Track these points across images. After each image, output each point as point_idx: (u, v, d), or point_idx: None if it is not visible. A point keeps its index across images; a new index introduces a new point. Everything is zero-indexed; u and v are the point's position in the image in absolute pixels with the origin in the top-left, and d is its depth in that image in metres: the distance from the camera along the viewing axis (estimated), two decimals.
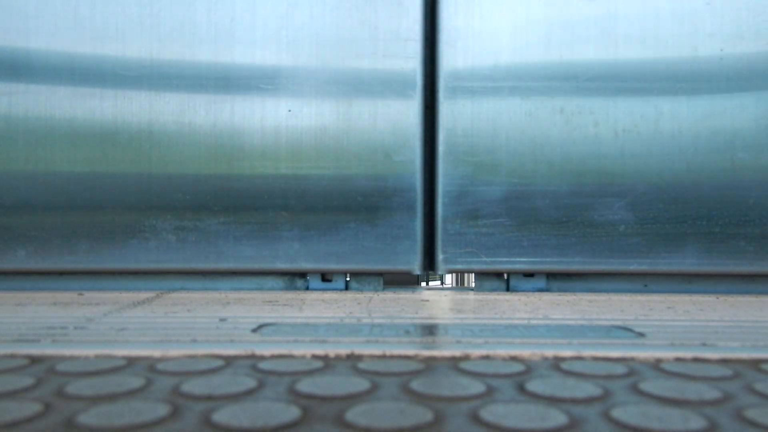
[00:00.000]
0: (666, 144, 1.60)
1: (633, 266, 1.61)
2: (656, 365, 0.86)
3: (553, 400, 0.71)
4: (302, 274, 1.66)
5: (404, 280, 1.81)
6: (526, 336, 1.04)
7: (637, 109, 1.61)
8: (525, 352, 0.91)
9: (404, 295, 1.56)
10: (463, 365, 0.86)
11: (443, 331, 1.09)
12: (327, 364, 0.86)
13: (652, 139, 1.60)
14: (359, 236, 1.62)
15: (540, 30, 1.62)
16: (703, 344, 0.98)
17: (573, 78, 1.61)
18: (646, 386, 0.77)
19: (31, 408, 0.68)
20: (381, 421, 0.64)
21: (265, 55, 1.63)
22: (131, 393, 0.73)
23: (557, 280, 1.66)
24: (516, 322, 1.18)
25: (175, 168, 1.62)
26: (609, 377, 0.80)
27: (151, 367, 0.84)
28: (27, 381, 0.78)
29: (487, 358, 0.89)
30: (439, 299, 1.49)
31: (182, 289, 1.65)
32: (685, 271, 1.62)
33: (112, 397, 0.71)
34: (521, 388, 0.75)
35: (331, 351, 0.91)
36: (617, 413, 0.67)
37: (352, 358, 0.89)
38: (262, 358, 0.89)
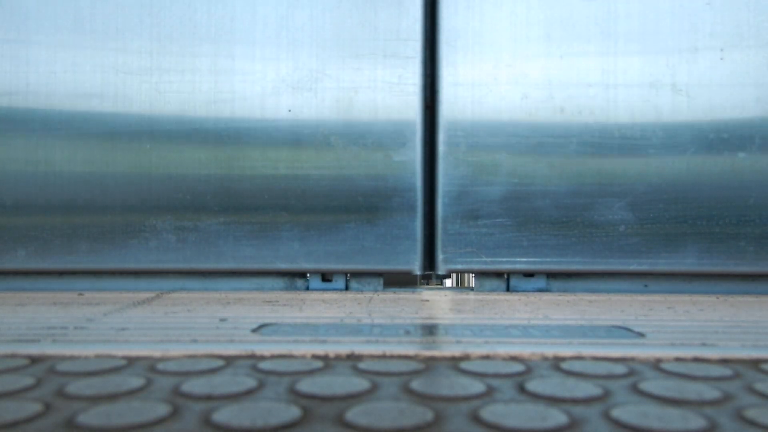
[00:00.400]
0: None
1: (633, 266, 1.61)
2: (656, 365, 0.86)
3: (553, 400, 0.71)
4: (302, 274, 1.66)
5: (404, 280, 1.81)
6: (526, 336, 1.04)
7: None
8: (525, 352, 0.91)
9: (404, 295, 1.56)
10: (463, 365, 0.86)
11: (443, 331, 1.09)
12: (327, 364, 0.86)
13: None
14: (359, 236, 1.62)
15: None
16: (703, 344, 0.98)
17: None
18: (646, 386, 0.77)
19: (32, 408, 0.68)
20: (381, 421, 0.64)
21: (265, 54, 1.63)
22: (131, 393, 0.73)
23: (557, 280, 1.66)
24: (516, 322, 1.18)
25: (175, 168, 1.62)
26: (609, 377, 0.80)
27: (151, 367, 0.84)
28: (27, 381, 0.78)
29: (487, 358, 0.89)
30: (439, 299, 1.49)
31: (182, 289, 1.65)
32: (685, 271, 1.62)
33: (112, 397, 0.71)
34: (521, 388, 0.75)
35: (331, 351, 0.91)
36: (617, 413, 0.67)
37: (352, 358, 0.89)
38: (262, 358, 0.89)
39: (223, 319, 1.18)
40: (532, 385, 0.76)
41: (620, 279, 1.66)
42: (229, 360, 0.88)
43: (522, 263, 1.62)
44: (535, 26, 1.62)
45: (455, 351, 0.92)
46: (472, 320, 1.20)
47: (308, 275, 1.66)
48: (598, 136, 1.61)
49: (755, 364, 0.88)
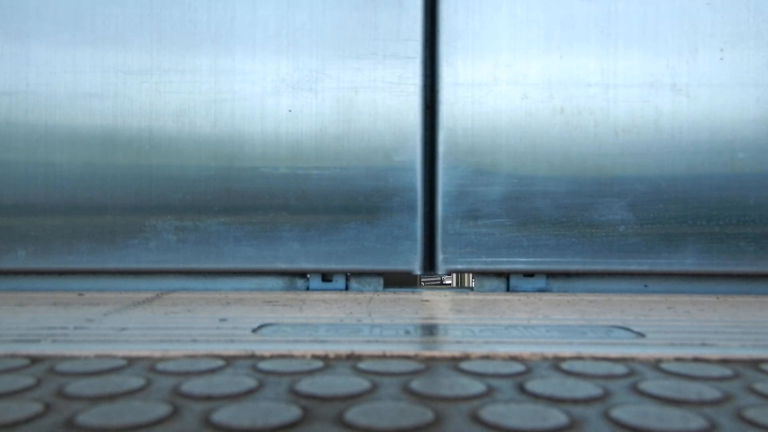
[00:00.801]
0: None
1: (633, 266, 1.61)
2: (656, 365, 0.86)
3: (553, 400, 0.71)
4: (303, 274, 1.66)
5: (405, 281, 1.81)
6: (526, 336, 1.04)
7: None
8: (525, 352, 0.91)
9: (404, 296, 1.56)
10: (463, 365, 0.86)
11: (443, 332, 1.09)
12: (327, 364, 0.86)
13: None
14: (360, 236, 1.62)
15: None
16: (703, 344, 0.98)
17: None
18: (646, 386, 0.77)
19: (32, 408, 0.68)
20: (381, 421, 0.64)
21: (265, 54, 1.63)
22: (131, 393, 0.73)
23: (557, 280, 1.66)
24: (516, 322, 1.18)
25: (176, 168, 1.62)
26: (609, 377, 0.80)
27: (151, 367, 0.84)
28: (27, 381, 0.78)
29: (487, 358, 0.89)
30: (439, 299, 1.49)
31: (183, 289, 1.65)
32: (685, 271, 1.62)
33: (112, 397, 0.71)
34: (521, 388, 0.75)
35: (331, 351, 0.91)
36: (617, 413, 0.67)
37: (352, 358, 0.89)
38: (262, 358, 0.89)
39: (223, 319, 1.18)
40: (532, 385, 0.76)
41: (620, 279, 1.66)
42: (229, 360, 0.88)
43: (522, 263, 1.62)
44: (535, 26, 1.62)
45: (455, 351, 0.92)
46: (472, 320, 1.20)
47: (308, 275, 1.66)
48: (598, 136, 1.61)
49: (755, 364, 0.88)
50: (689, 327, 1.13)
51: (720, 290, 1.64)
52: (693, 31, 1.61)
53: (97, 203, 1.62)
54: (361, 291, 1.64)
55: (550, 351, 0.92)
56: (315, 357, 0.89)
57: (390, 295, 1.57)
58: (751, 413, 0.68)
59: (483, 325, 1.14)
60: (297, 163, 1.62)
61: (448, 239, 1.62)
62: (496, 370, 0.83)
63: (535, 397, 0.72)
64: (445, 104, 1.62)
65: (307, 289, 1.65)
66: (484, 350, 0.93)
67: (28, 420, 0.65)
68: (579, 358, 0.89)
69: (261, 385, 0.76)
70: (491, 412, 0.67)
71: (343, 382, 0.77)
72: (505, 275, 1.66)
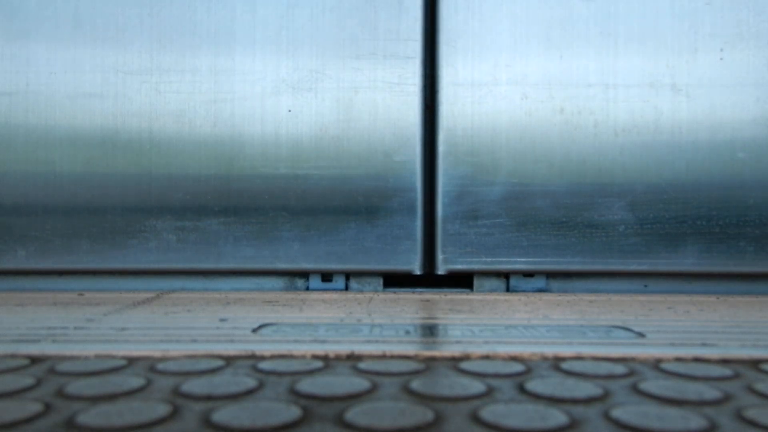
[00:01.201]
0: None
1: (633, 266, 1.61)
2: (656, 365, 0.86)
3: (553, 400, 0.71)
4: (303, 274, 1.66)
5: (406, 281, 1.81)
6: (526, 336, 1.04)
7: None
8: (525, 352, 0.91)
9: (404, 296, 1.56)
10: (463, 365, 0.86)
11: (443, 331, 1.09)
12: (327, 364, 0.86)
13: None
14: (360, 236, 1.62)
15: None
16: (703, 344, 0.98)
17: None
18: (646, 386, 0.77)
19: (32, 408, 0.68)
20: (381, 421, 0.64)
21: (265, 54, 1.63)
22: (131, 393, 0.73)
23: (557, 280, 1.66)
24: (516, 322, 1.18)
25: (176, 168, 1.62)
26: (609, 377, 0.80)
27: (151, 367, 0.84)
28: (27, 381, 0.78)
29: (487, 358, 0.89)
30: (439, 299, 1.49)
31: (182, 289, 1.65)
32: (685, 271, 1.62)
33: (112, 397, 0.71)
34: (521, 388, 0.75)
35: (331, 351, 0.91)
36: (617, 413, 0.67)
37: (352, 358, 0.89)
38: (263, 358, 0.89)
39: (223, 319, 1.18)
40: (532, 385, 0.76)
41: (620, 279, 1.66)
42: (230, 360, 0.88)
43: (522, 263, 1.62)
44: (535, 26, 1.62)
45: (455, 351, 0.92)
46: (472, 320, 1.20)
47: (308, 275, 1.66)
48: (598, 135, 1.61)
49: (755, 364, 0.88)
50: (689, 327, 1.13)
51: (720, 290, 1.64)
52: (693, 31, 1.61)
53: (96, 203, 1.62)
54: (361, 291, 1.64)
55: (550, 351, 0.92)
56: (315, 357, 0.89)
57: (390, 295, 1.57)
58: (751, 413, 0.68)
59: (483, 325, 1.14)
60: (297, 163, 1.62)
61: (448, 239, 1.62)
62: (496, 370, 0.83)
63: (536, 397, 0.72)
64: (445, 104, 1.62)
65: (307, 289, 1.65)
66: (484, 350, 0.93)
67: (28, 420, 0.65)
68: (579, 358, 0.89)
69: (261, 385, 0.76)
70: (491, 412, 0.67)
71: (343, 382, 0.77)
72: (505, 275, 1.66)
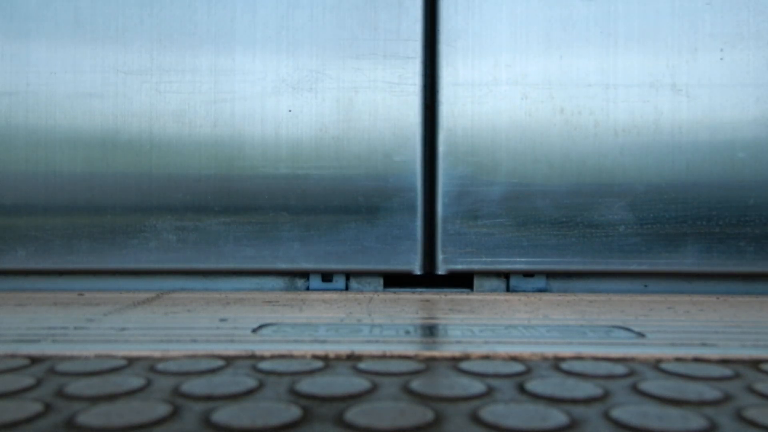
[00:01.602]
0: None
1: (633, 266, 1.61)
2: (656, 365, 0.86)
3: (553, 401, 0.71)
4: (303, 274, 1.66)
5: (405, 281, 1.81)
6: (526, 336, 1.04)
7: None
8: (525, 352, 0.91)
9: (404, 296, 1.56)
10: (463, 365, 0.86)
11: (443, 331, 1.09)
12: (327, 364, 0.86)
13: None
14: (360, 236, 1.62)
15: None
16: (703, 344, 0.98)
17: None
18: (646, 386, 0.77)
19: (32, 408, 0.68)
20: (381, 421, 0.64)
21: (265, 54, 1.63)
22: (131, 393, 0.73)
23: (557, 280, 1.66)
24: (516, 322, 1.18)
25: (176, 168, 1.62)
26: (609, 377, 0.80)
27: (151, 367, 0.84)
28: (27, 381, 0.78)
29: (487, 358, 0.89)
30: (439, 299, 1.49)
31: (183, 288, 1.65)
32: (685, 271, 1.62)
33: (112, 397, 0.71)
34: (521, 389, 0.75)
35: (331, 351, 0.91)
36: (617, 413, 0.67)
37: (352, 359, 0.89)
38: (263, 358, 0.89)
39: (223, 319, 1.18)
40: (532, 386, 0.76)
41: (620, 279, 1.65)
42: (230, 360, 0.88)
43: (522, 263, 1.62)
44: (535, 26, 1.62)
45: (455, 351, 0.92)
46: (472, 320, 1.20)
47: (308, 275, 1.65)
48: (598, 135, 1.61)
49: (755, 364, 0.88)
50: (689, 327, 1.13)
51: (720, 290, 1.64)
52: (693, 31, 1.61)
53: (97, 203, 1.62)
54: (361, 291, 1.64)
55: (550, 351, 0.92)
56: (315, 357, 0.89)
57: (390, 295, 1.57)
58: (751, 413, 0.68)
59: (483, 325, 1.14)
60: (297, 163, 1.62)
61: (448, 239, 1.62)
62: (496, 370, 0.83)
63: (535, 397, 0.72)
64: (445, 104, 1.62)
65: (307, 289, 1.65)
66: (484, 350, 0.93)
67: (28, 420, 0.65)
68: (579, 358, 0.89)
69: (261, 385, 0.76)
70: (491, 412, 0.67)
71: (343, 382, 0.77)
72: (505, 275, 1.66)
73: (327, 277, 1.66)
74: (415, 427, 0.63)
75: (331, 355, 0.90)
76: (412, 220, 1.62)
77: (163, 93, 1.61)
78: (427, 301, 1.47)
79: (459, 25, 1.62)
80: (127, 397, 0.72)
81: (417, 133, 1.62)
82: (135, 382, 0.77)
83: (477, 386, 0.76)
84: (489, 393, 0.73)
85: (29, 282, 1.66)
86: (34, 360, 0.88)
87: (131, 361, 0.87)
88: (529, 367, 0.85)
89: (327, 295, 1.54)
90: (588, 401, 0.71)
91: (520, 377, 0.80)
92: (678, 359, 0.89)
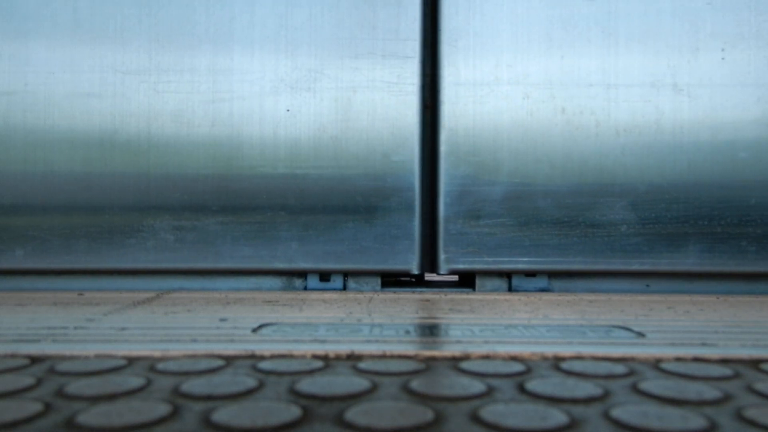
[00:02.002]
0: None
1: (635, 266, 1.61)
2: (656, 365, 0.86)
3: (553, 400, 0.71)
4: (301, 274, 1.66)
5: (406, 280, 1.81)
6: (526, 336, 1.04)
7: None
8: (525, 352, 0.91)
9: (404, 295, 1.56)
10: (464, 365, 0.86)
11: (443, 331, 1.09)
12: (327, 363, 0.86)
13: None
14: (358, 236, 1.62)
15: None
16: (703, 344, 0.98)
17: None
18: (646, 386, 0.77)
19: (32, 407, 0.68)
20: (381, 420, 0.64)
21: (263, 54, 1.62)
22: (131, 393, 0.73)
23: (559, 279, 1.66)
24: (516, 322, 1.18)
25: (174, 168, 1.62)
26: (609, 377, 0.80)
27: (151, 366, 0.84)
28: (27, 381, 0.78)
29: (487, 357, 0.89)
30: (439, 299, 1.49)
31: (181, 288, 1.65)
32: (687, 270, 1.61)
33: (112, 397, 0.71)
34: (521, 388, 0.75)
35: (332, 351, 0.91)
36: (617, 413, 0.67)
37: (353, 358, 0.89)
38: (263, 357, 0.89)
39: (223, 319, 1.18)
40: (532, 385, 0.76)
41: (622, 279, 1.65)
42: (230, 360, 0.88)
43: (524, 263, 1.62)
44: (536, 26, 1.62)
45: (455, 351, 0.92)
46: (472, 320, 1.20)
47: (306, 275, 1.65)
48: (600, 135, 1.61)
49: (755, 364, 0.88)
50: (689, 327, 1.13)
51: (721, 290, 1.64)
52: (694, 31, 1.61)
53: (95, 202, 1.62)
54: (360, 291, 1.64)
55: (550, 351, 0.92)
56: (315, 357, 0.89)
57: (390, 294, 1.57)
58: (751, 413, 0.68)
59: (483, 325, 1.14)
60: (295, 163, 1.62)
61: (450, 239, 1.61)
62: (497, 370, 0.83)
63: (536, 396, 0.72)
64: (446, 104, 1.62)
65: (305, 288, 1.65)
66: (484, 350, 0.93)
67: (29, 420, 0.65)
68: (579, 358, 0.89)
69: (261, 385, 0.76)
70: (491, 412, 0.67)
71: (343, 382, 0.77)
72: (507, 275, 1.66)
73: (325, 276, 1.65)
74: (416, 427, 0.63)
75: (331, 354, 0.90)
76: (410, 220, 1.61)
77: (162, 93, 1.61)
78: (427, 300, 1.47)
79: (460, 24, 1.62)
80: (127, 396, 0.72)
81: (415, 132, 1.62)
82: (135, 381, 0.77)
83: (477, 386, 0.76)
84: (489, 393, 0.73)
85: (28, 282, 1.66)
86: (34, 360, 0.88)
87: (131, 360, 0.87)
88: (529, 367, 0.85)
89: (327, 295, 1.54)
90: (588, 401, 0.71)
91: (521, 377, 0.80)
92: (678, 359, 0.89)
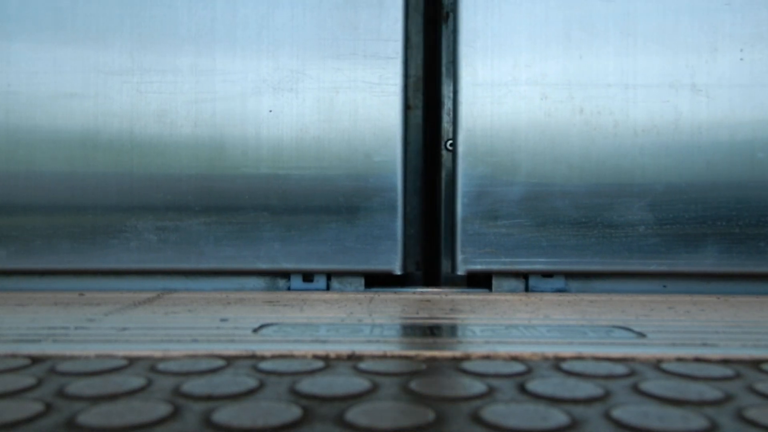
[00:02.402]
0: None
1: (653, 267, 1.60)
2: (657, 365, 0.86)
3: (553, 400, 0.71)
4: (284, 274, 1.65)
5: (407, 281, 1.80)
6: (527, 336, 1.04)
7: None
8: (525, 352, 0.91)
9: (405, 296, 1.56)
10: (464, 365, 0.86)
11: (444, 332, 1.09)
12: (328, 364, 0.86)
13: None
14: (340, 236, 1.61)
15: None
16: (704, 344, 0.98)
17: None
18: (647, 386, 0.76)
19: (33, 408, 0.68)
20: (382, 421, 0.64)
21: (246, 55, 1.62)
22: (132, 393, 0.73)
23: (576, 280, 1.65)
24: (516, 322, 1.18)
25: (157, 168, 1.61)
26: (610, 377, 0.80)
27: (152, 367, 0.84)
28: (28, 381, 0.78)
29: (487, 358, 0.89)
30: (440, 300, 1.49)
31: (164, 289, 1.64)
32: (704, 271, 1.61)
33: (113, 397, 0.71)
34: (522, 389, 0.75)
35: (332, 351, 0.91)
36: (618, 413, 0.67)
37: (353, 359, 0.89)
38: (263, 358, 0.89)
39: (224, 319, 1.18)
40: (533, 386, 0.76)
41: (639, 279, 1.64)
42: (230, 360, 0.88)
43: (541, 263, 1.61)
44: (554, 26, 1.62)
45: (456, 351, 0.92)
46: (473, 320, 1.20)
47: (290, 275, 1.64)
48: (618, 136, 1.60)
49: (756, 364, 0.88)
50: (690, 327, 1.13)
51: (739, 290, 1.63)
52: (712, 32, 1.60)
53: (77, 203, 1.61)
54: (342, 291, 1.63)
55: (551, 351, 0.92)
56: (316, 357, 0.89)
57: (391, 295, 1.57)
58: (752, 413, 0.68)
59: (483, 326, 1.14)
60: (278, 163, 1.61)
61: (467, 240, 1.61)
62: (497, 370, 0.83)
63: (536, 397, 0.72)
64: (464, 104, 1.61)
65: (288, 289, 1.64)
66: (484, 350, 0.93)
67: (29, 420, 0.65)
68: (580, 358, 0.89)
69: (262, 385, 0.76)
70: (492, 412, 0.67)
71: (344, 382, 0.77)
72: (524, 276, 1.65)
73: (308, 277, 1.64)
74: (416, 427, 0.63)
75: (332, 355, 0.90)
76: (393, 221, 1.61)
77: (144, 93, 1.61)
78: (428, 301, 1.47)
79: (478, 25, 1.62)
80: (127, 396, 0.72)
81: (398, 133, 1.61)
82: (136, 381, 0.77)
83: (478, 386, 0.76)
84: (490, 393, 0.73)
85: (11, 282, 1.65)
86: (35, 360, 0.88)
87: (132, 360, 0.87)
88: (529, 367, 0.85)
89: (328, 295, 1.54)
90: (589, 401, 0.71)
91: (521, 377, 0.80)
92: (679, 359, 0.89)
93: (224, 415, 0.66)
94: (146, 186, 1.61)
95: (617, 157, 1.60)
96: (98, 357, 0.89)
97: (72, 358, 0.89)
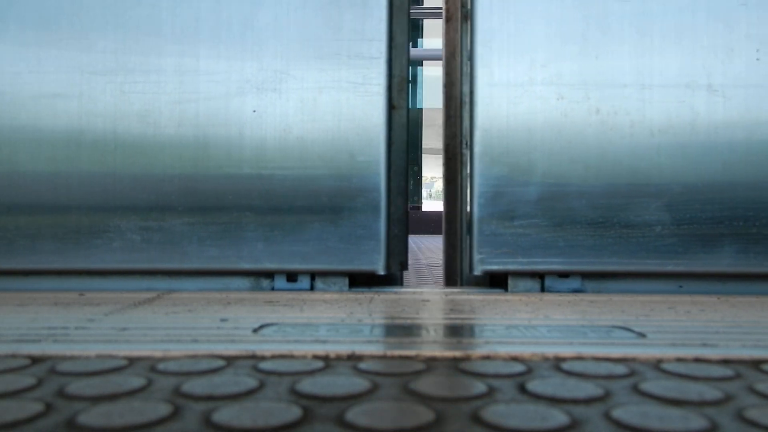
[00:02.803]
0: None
1: (669, 267, 1.59)
2: (657, 365, 0.86)
3: (553, 401, 0.71)
4: (268, 274, 1.64)
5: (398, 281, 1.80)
6: (527, 336, 1.04)
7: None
8: (525, 353, 0.91)
9: (405, 296, 1.56)
10: (464, 365, 0.86)
11: (444, 332, 1.09)
12: (328, 364, 0.86)
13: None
14: (324, 236, 1.61)
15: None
16: (704, 344, 0.98)
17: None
18: (647, 386, 0.77)
19: (32, 408, 0.68)
20: (382, 421, 0.64)
21: (230, 55, 1.62)
22: (132, 393, 0.73)
23: (593, 280, 1.64)
24: (517, 322, 1.18)
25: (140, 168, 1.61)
26: (610, 377, 0.80)
27: (152, 367, 0.84)
28: (28, 381, 0.78)
29: (487, 358, 0.89)
30: (440, 300, 1.49)
31: (149, 289, 1.64)
32: (721, 271, 1.60)
33: (113, 397, 0.71)
34: (522, 389, 0.75)
35: (332, 351, 0.91)
36: (618, 413, 0.67)
37: (353, 359, 0.89)
38: (263, 358, 0.89)
39: (224, 319, 1.18)
40: (533, 386, 0.76)
41: (656, 279, 1.64)
42: (230, 360, 0.88)
43: (557, 263, 1.60)
44: (570, 26, 1.61)
45: (456, 351, 0.92)
46: (473, 321, 1.20)
47: (273, 275, 1.64)
48: (634, 136, 1.60)
49: (756, 364, 0.88)
50: (690, 327, 1.13)
51: (756, 291, 1.62)
52: (728, 32, 1.60)
53: (60, 203, 1.61)
54: (326, 291, 1.62)
55: (551, 351, 0.92)
56: (316, 357, 0.89)
57: (391, 295, 1.57)
58: (752, 413, 0.68)
59: (483, 326, 1.14)
60: (261, 163, 1.61)
61: (484, 240, 1.60)
62: (497, 371, 0.83)
63: (536, 397, 0.72)
64: (480, 105, 1.61)
65: (272, 289, 1.64)
66: (484, 350, 0.93)
67: (29, 420, 0.65)
68: (580, 358, 0.89)
69: (262, 385, 0.76)
70: (492, 413, 0.67)
71: (344, 382, 0.77)
72: (540, 276, 1.65)
73: (292, 277, 1.64)
74: (416, 427, 0.63)
75: (332, 355, 0.90)
76: (376, 221, 1.60)
77: (128, 93, 1.61)
78: (428, 301, 1.47)
79: (494, 25, 1.61)
80: (128, 396, 0.72)
81: (381, 133, 1.61)
82: (136, 382, 0.77)
83: (478, 386, 0.76)
84: (490, 393, 0.73)
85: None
86: (35, 360, 0.88)
87: (132, 361, 0.87)
88: (529, 368, 0.85)
89: (328, 295, 1.54)
90: (589, 401, 0.71)
91: (521, 377, 0.80)
92: (679, 359, 0.89)
93: (224, 415, 0.66)
94: (130, 186, 1.61)
95: (633, 157, 1.60)
96: (98, 357, 0.89)
97: (72, 358, 0.89)
